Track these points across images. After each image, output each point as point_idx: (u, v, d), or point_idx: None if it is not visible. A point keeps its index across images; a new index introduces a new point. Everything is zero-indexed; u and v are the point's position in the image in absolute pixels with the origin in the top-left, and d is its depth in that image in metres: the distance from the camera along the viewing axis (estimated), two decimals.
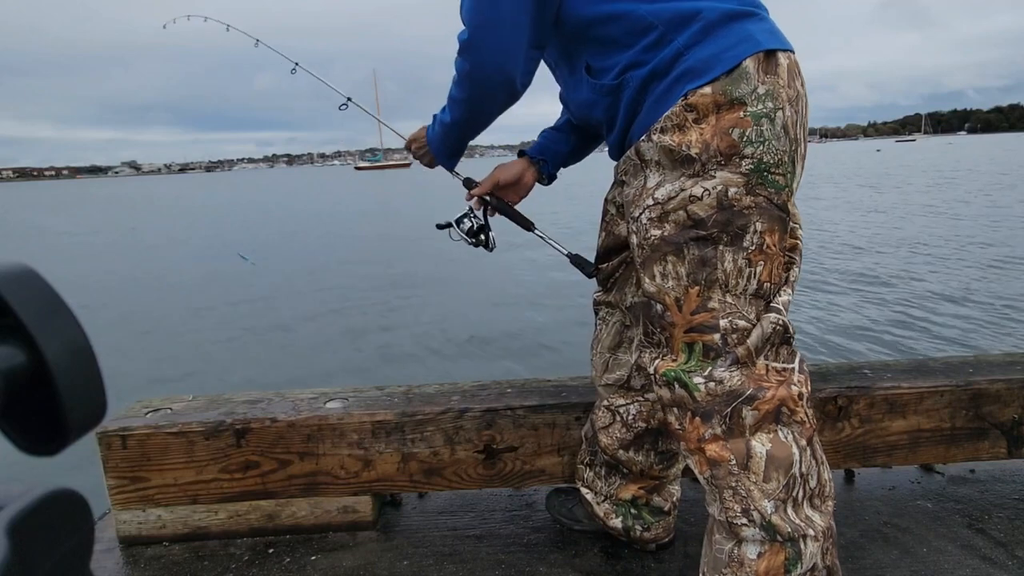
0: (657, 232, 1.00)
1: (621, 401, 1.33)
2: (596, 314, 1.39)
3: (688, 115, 0.95)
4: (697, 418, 1.02)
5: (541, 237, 1.42)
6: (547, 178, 1.43)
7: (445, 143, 1.32)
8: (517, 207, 1.41)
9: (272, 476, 1.54)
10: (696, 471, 1.06)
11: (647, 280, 1.04)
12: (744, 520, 1.01)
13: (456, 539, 1.55)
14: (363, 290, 9.70)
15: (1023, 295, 7.12)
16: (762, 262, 0.98)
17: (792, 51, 0.99)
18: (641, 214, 1.03)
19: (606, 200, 1.27)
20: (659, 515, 1.42)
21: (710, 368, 1.00)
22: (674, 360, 1.03)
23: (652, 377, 1.07)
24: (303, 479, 1.54)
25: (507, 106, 1.20)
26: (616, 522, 1.41)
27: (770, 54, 0.95)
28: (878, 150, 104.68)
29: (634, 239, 1.06)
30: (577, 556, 1.46)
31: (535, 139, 1.46)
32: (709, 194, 0.95)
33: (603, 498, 1.43)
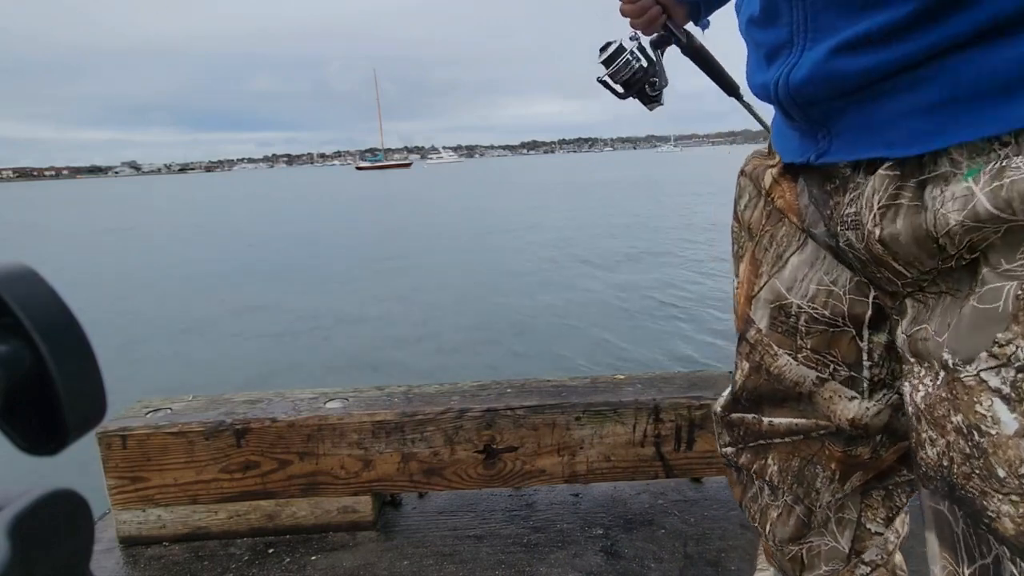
0: None
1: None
2: (743, 472, 0.91)
3: None
4: None
5: (747, 107, 1.06)
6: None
7: None
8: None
9: (272, 476, 1.54)
10: None
11: None
12: None
13: (456, 539, 1.55)
14: (363, 289, 9.70)
15: None
16: None
17: None
18: None
19: (821, 290, 0.71)
20: None
21: None
22: None
23: None
24: (303, 479, 1.54)
25: None
26: None
27: None
28: None
29: None
30: (577, 556, 1.46)
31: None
32: None
33: None
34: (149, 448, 1.50)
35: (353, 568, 1.45)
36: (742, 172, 0.81)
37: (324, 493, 1.56)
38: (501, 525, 1.60)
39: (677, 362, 5.84)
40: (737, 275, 0.82)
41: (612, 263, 11.03)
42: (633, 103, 1.02)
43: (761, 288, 0.77)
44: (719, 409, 0.92)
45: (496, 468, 1.57)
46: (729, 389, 0.90)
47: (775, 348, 0.77)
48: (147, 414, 1.56)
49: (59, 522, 0.25)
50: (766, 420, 0.82)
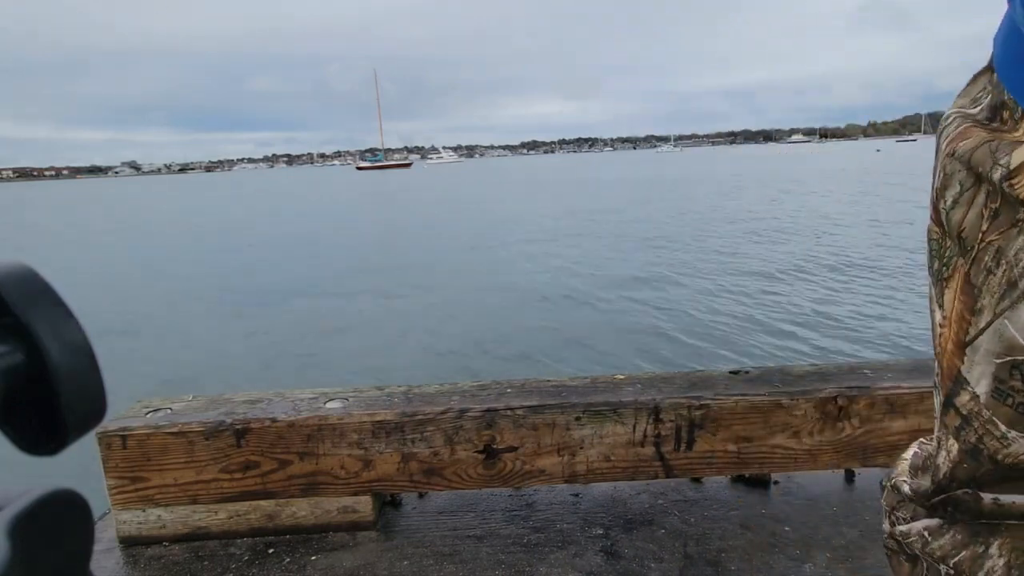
0: None
1: None
2: (928, 563, 0.65)
3: None
4: None
5: None
6: None
7: None
8: None
9: (272, 476, 1.54)
10: None
11: None
12: None
13: (456, 539, 1.55)
14: (363, 289, 9.70)
15: None
16: None
17: None
18: None
19: None
20: None
21: None
22: None
23: None
24: (303, 479, 1.54)
25: None
26: None
27: None
28: (877, 150, 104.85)
29: None
30: (577, 556, 1.46)
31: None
32: None
33: None
34: (149, 448, 1.50)
35: (353, 568, 1.45)
36: (952, 153, 0.51)
37: (324, 493, 1.56)
38: (501, 525, 1.60)
39: (676, 362, 5.85)
40: (941, 305, 0.55)
41: (612, 263, 11.04)
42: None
43: (981, 331, 0.50)
44: (905, 486, 0.64)
45: (496, 468, 1.57)
46: (906, 462, 0.66)
47: (1002, 428, 0.51)
48: (147, 414, 1.56)
49: (59, 522, 0.25)
50: (988, 497, 0.55)
